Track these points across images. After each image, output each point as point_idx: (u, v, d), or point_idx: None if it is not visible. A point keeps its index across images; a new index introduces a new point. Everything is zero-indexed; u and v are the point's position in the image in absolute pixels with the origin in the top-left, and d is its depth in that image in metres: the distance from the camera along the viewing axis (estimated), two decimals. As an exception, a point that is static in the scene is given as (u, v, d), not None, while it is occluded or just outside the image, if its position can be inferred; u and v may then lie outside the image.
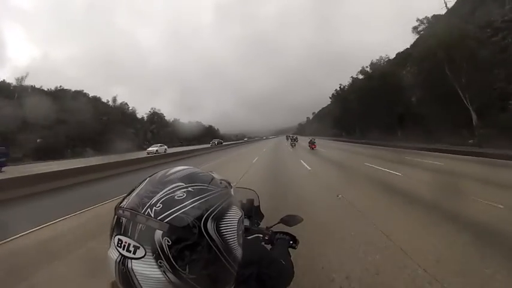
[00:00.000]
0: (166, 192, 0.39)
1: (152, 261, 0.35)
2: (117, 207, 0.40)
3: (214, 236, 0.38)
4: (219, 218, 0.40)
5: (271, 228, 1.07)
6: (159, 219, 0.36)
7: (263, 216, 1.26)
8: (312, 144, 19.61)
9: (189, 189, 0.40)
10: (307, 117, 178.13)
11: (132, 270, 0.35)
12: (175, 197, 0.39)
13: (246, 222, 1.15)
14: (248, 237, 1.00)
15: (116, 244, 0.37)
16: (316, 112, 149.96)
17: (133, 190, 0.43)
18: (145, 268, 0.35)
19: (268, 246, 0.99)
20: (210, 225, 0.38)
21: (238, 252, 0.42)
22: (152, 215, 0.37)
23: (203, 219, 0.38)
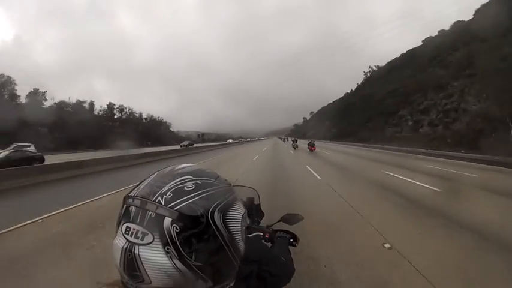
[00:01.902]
0: (176, 183, 0.41)
1: (160, 247, 0.36)
2: (127, 197, 0.41)
3: (220, 227, 0.40)
4: (225, 210, 0.41)
5: (272, 227, 1.08)
6: (169, 207, 0.37)
7: (263, 214, 1.26)
8: (311, 146, 19.62)
9: (198, 181, 0.42)
10: (304, 118, 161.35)
11: (139, 256, 0.36)
12: (185, 187, 0.40)
13: (247, 221, 1.15)
14: (248, 235, 1.00)
15: (123, 232, 0.38)
16: (315, 112, 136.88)
17: (142, 182, 0.44)
18: (152, 254, 0.36)
19: (269, 245, 1.00)
20: (216, 216, 0.40)
21: (242, 246, 0.44)
22: (163, 203, 0.38)
23: (210, 210, 0.39)
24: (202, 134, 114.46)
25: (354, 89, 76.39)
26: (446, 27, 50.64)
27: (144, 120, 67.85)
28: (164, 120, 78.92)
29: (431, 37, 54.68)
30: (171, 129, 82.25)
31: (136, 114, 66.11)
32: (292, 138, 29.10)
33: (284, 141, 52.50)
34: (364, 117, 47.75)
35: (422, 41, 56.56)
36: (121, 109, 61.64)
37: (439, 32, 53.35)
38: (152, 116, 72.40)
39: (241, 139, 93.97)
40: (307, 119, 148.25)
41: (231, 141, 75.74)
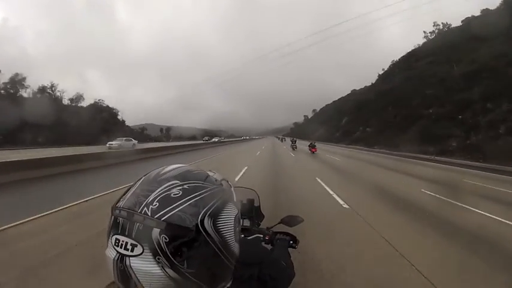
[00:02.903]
0: (162, 190, 0.40)
1: (150, 257, 0.36)
2: (114, 208, 0.40)
3: (211, 233, 0.39)
4: (215, 214, 0.40)
5: (272, 229, 1.08)
6: (156, 218, 0.37)
7: (263, 216, 1.27)
8: (312, 148, 19.04)
9: (185, 186, 0.41)
10: (305, 116, 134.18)
11: (131, 267, 0.36)
12: (172, 195, 0.39)
13: (247, 223, 1.16)
14: (248, 238, 1.00)
15: (113, 243, 0.38)
16: (318, 110, 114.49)
17: (128, 190, 0.43)
18: (143, 264, 0.36)
19: (269, 247, 1.00)
20: (207, 223, 0.39)
21: (236, 247, 0.43)
22: (149, 214, 0.37)
23: (200, 216, 0.38)
24: (167, 129, 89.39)
25: (375, 82, 55.63)
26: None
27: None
28: (114, 109, 51.15)
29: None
30: (121, 118, 51.72)
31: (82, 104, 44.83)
32: (291, 139, 28.81)
33: (282, 141, 52.05)
34: (385, 117, 34.89)
35: (462, 21, 42.29)
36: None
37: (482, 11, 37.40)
38: (99, 101, 48.39)
39: (221, 139, 58.86)
40: (309, 117, 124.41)
41: (217, 139, 54.19)
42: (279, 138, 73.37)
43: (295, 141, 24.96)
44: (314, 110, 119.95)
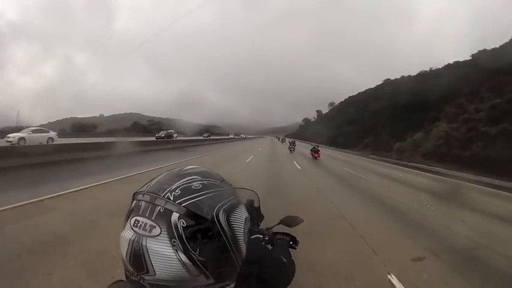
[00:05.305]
0: (184, 181, 0.44)
1: (166, 239, 0.38)
2: (137, 193, 0.44)
3: (224, 226, 0.42)
4: (229, 211, 0.44)
5: (271, 229, 1.08)
6: (178, 203, 0.40)
7: (263, 217, 1.27)
8: (314, 153, 16.98)
9: (205, 182, 0.45)
10: (318, 111, 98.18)
11: (146, 247, 0.38)
12: (192, 186, 0.43)
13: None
14: (249, 238, 1.01)
15: (132, 224, 0.41)
16: (337, 103, 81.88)
17: (152, 180, 0.47)
18: (159, 246, 0.38)
19: (269, 247, 1.00)
20: (221, 216, 0.42)
21: (244, 247, 0.46)
22: (171, 199, 0.41)
23: (216, 209, 0.42)
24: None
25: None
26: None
27: None
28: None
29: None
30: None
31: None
32: (290, 140, 28.56)
33: (282, 141, 51.68)
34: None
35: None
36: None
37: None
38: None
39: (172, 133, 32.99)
40: (322, 113, 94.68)
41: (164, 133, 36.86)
42: (278, 139, 71.48)
43: (294, 143, 24.69)
44: (332, 103, 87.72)
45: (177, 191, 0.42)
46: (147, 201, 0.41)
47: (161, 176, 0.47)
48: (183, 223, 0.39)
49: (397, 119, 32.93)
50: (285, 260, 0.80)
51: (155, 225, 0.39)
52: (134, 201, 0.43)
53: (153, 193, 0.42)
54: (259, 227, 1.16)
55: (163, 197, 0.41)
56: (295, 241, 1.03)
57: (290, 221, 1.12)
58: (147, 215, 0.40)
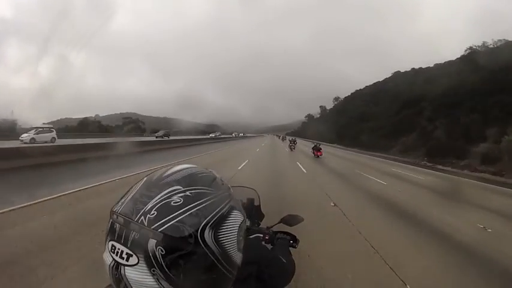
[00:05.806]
0: (162, 197, 0.38)
1: (145, 269, 0.35)
2: (112, 212, 0.40)
3: (211, 245, 0.37)
4: (217, 225, 0.39)
5: (272, 228, 1.08)
6: (153, 228, 0.35)
7: (263, 216, 1.27)
8: (316, 151, 16.32)
9: (187, 193, 0.39)
10: (322, 107, 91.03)
11: (126, 276, 0.35)
12: (172, 202, 0.37)
13: (247, 222, 1.15)
14: (248, 237, 1.00)
15: (109, 249, 0.37)
16: (342, 98, 75.80)
17: (129, 191, 0.42)
18: (138, 275, 0.35)
19: (269, 246, 1.00)
20: (207, 234, 0.37)
21: (238, 257, 0.42)
22: (146, 223, 0.36)
23: (200, 228, 0.37)
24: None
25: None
26: None
27: None
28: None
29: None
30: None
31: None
32: (290, 138, 28.38)
33: (283, 140, 51.27)
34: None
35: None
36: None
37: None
38: None
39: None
40: (327, 109, 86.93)
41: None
42: (279, 137, 70.55)
43: (295, 141, 24.67)
44: (336, 98, 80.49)
45: (152, 212, 0.36)
46: (121, 225, 0.37)
47: (138, 186, 0.42)
48: (162, 250, 0.34)
49: (465, 108, 21.06)
50: (284, 260, 0.80)
51: (132, 253, 0.35)
52: (111, 219, 0.39)
53: (126, 216, 0.37)
54: (260, 226, 1.16)
55: (137, 221, 0.36)
56: (295, 240, 1.03)
57: (291, 220, 1.12)
58: (122, 241, 0.36)
